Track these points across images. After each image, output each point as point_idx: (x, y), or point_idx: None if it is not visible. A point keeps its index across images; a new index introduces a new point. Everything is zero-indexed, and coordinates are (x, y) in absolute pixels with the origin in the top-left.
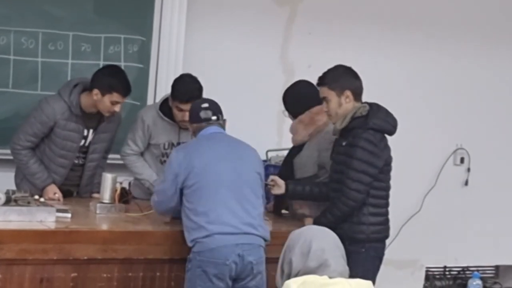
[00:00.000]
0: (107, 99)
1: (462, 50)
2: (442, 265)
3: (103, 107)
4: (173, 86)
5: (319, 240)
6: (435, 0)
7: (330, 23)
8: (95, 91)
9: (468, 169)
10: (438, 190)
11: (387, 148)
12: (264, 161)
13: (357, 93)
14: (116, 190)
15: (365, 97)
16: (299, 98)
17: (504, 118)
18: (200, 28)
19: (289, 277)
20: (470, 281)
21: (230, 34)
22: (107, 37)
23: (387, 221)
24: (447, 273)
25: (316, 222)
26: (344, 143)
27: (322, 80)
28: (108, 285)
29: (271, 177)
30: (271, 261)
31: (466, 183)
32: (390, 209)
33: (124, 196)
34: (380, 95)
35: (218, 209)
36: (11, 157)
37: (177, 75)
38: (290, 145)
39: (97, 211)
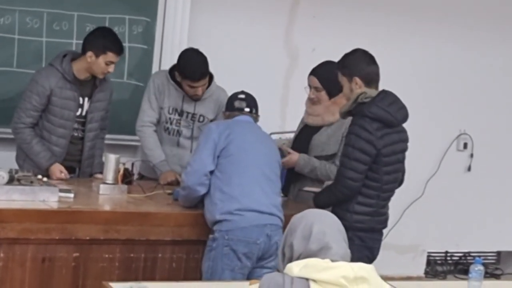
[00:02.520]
0: (101, 60)
1: (466, 36)
2: (443, 250)
3: (97, 68)
4: (181, 66)
5: (320, 223)
6: None
7: (335, 6)
8: (89, 53)
9: (471, 155)
10: (440, 176)
11: (385, 138)
12: None
13: (368, 80)
14: (119, 171)
15: None
16: (337, 80)
17: (508, 104)
18: (205, 9)
19: (290, 260)
20: (472, 267)
21: (235, 16)
22: (112, 18)
23: (376, 213)
24: (448, 258)
25: (315, 199)
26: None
27: (337, 65)
28: (110, 265)
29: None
30: None
31: (469, 169)
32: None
33: (127, 177)
34: (383, 80)
35: (252, 185)
36: (12, 137)
37: None
38: (293, 128)
39: (100, 192)
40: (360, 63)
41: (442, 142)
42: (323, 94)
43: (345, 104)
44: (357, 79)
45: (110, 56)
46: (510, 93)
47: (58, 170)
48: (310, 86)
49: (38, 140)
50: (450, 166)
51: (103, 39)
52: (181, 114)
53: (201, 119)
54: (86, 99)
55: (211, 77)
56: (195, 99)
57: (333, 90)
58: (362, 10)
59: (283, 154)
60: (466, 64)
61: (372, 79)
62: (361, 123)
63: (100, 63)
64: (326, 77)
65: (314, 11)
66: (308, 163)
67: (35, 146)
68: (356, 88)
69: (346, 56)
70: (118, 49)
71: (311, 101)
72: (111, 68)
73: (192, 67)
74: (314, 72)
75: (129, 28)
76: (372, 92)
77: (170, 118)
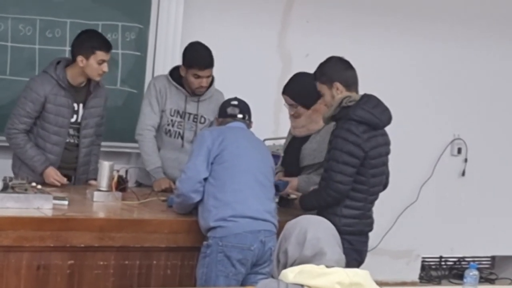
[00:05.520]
0: (92, 61)
1: (459, 40)
2: (438, 255)
3: (91, 71)
4: (188, 55)
5: (315, 229)
6: None
7: (328, 11)
8: (79, 57)
9: (465, 160)
10: (435, 181)
11: (372, 141)
12: None
13: (348, 84)
14: (113, 178)
15: (361, 86)
16: (309, 90)
17: (501, 108)
18: (198, 15)
19: (285, 266)
20: (467, 272)
21: (228, 22)
22: (105, 25)
23: (364, 216)
24: (443, 263)
25: (301, 201)
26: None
27: (314, 75)
28: (105, 272)
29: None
30: None
31: (463, 174)
32: (386, 198)
33: (121, 184)
34: (377, 84)
35: (245, 191)
36: (7, 144)
37: (175, 63)
38: (287, 133)
39: (94, 199)
40: (338, 69)
41: (436, 147)
42: (300, 108)
43: (328, 110)
44: (338, 84)
45: (100, 54)
46: (504, 98)
47: (54, 173)
48: (287, 103)
49: (32, 144)
50: (444, 171)
51: (89, 41)
52: (183, 116)
53: (203, 120)
54: (81, 105)
55: (212, 78)
56: (199, 93)
57: (307, 101)
58: (355, 15)
59: (278, 187)
60: (460, 69)
61: (352, 82)
62: (347, 127)
63: (92, 64)
64: (297, 92)
65: (308, 16)
66: (309, 182)
67: (29, 150)
68: (337, 93)
69: (322, 64)
70: (106, 46)
71: (293, 116)
72: (105, 67)
73: (199, 55)
74: (285, 90)
75: (122, 35)
76: (356, 96)
77: (172, 120)
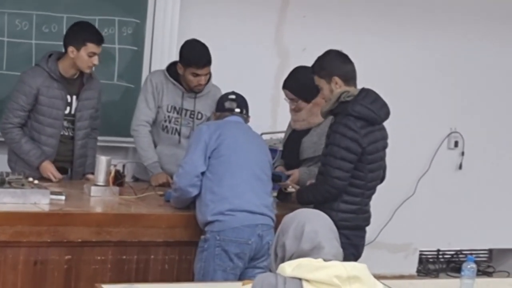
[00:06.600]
0: (83, 52)
1: (456, 33)
2: (435, 249)
3: (81, 62)
4: (185, 54)
5: (312, 222)
6: None
7: (325, 6)
8: (70, 48)
9: (462, 153)
10: (432, 174)
11: (369, 136)
12: None
13: (347, 78)
14: (110, 173)
15: (358, 80)
16: (309, 84)
17: (498, 101)
18: (195, 10)
19: (283, 260)
20: (464, 265)
21: (225, 16)
22: (101, 20)
23: (361, 210)
24: (440, 256)
25: (298, 195)
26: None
27: (312, 69)
28: (102, 267)
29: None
30: None
31: (460, 167)
32: (383, 192)
33: (118, 179)
34: (374, 78)
35: (243, 185)
36: (3, 139)
37: (172, 58)
38: (284, 128)
39: (91, 194)
40: (336, 63)
41: (433, 140)
42: (301, 102)
43: (326, 104)
44: (337, 79)
45: (91, 47)
46: (500, 91)
47: (50, 166)
48: (287, 98)
49: (27, 139)
50: (441, 165)
51: (81, 32)
52: (179, 112)
53: (199, 116)
54: (74, 97)
55: (210, 74)
56: (197, 90)
57: (308, 95)
58: (352, 9)
59: (281, 177)
60: (457, 62)
61: (351, 77)
62: (345, 122)
63: (83, 56)
64: (297, 86)
65: (304, 10)
66: (310, 175)
67: (25, 144)
68: (336, 88)
69: (321, 58)
70: (97, 39)
71: (293, 110)
72: (95, 60)
73: (197, 54)
74: (285, 85)
75: (119, 30)
76: (354, 91)
77: (168, 116)
